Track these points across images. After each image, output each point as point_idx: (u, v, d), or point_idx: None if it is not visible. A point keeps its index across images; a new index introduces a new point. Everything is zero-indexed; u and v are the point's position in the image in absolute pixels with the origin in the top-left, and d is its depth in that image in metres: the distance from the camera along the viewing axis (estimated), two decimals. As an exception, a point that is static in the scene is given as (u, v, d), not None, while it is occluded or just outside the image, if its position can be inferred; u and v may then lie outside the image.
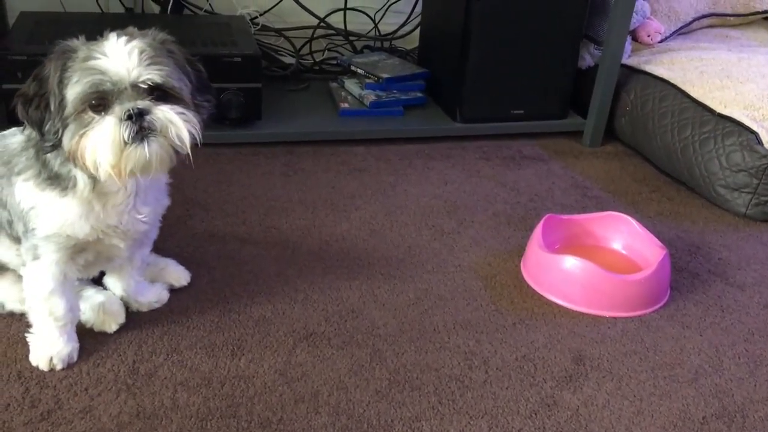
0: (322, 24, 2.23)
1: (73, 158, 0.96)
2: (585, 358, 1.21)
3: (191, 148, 0.98)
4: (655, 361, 1.22)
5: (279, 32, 2.21)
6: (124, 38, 0.96)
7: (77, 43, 0.97)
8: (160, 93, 0.96)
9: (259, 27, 2.17)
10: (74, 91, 0.93)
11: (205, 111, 1.03)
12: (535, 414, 1.09)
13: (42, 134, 0.96)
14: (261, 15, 2.20)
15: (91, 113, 0.94)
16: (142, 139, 0.94)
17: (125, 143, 0.93)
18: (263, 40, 2.19)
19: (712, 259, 1.53)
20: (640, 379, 1.17)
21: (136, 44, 0.96)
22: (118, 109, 0.93)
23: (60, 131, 0.95)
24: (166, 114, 0.95)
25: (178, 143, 0.96)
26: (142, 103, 0.94)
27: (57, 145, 0.96)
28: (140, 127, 0.94)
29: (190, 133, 0.97)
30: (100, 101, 0.94)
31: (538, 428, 1.06)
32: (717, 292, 1.42)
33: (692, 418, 1.11)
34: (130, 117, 0.93)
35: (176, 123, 0.95)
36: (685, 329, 1.31)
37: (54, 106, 0.95)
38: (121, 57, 0.94)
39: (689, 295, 1.40)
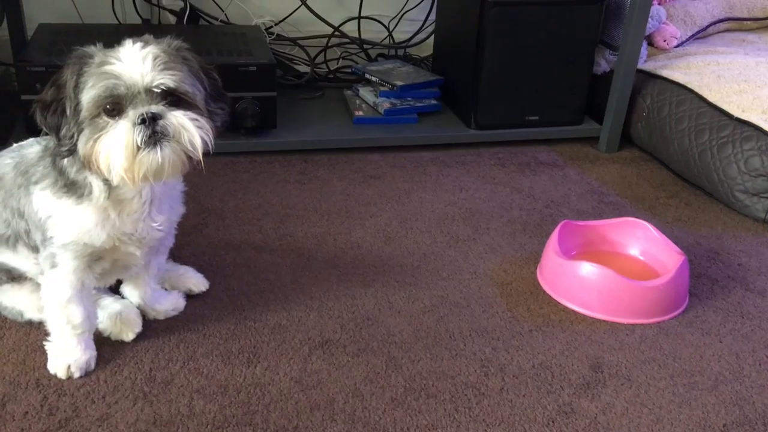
0: (336, 33, 2.24)
1: (87, 163, 0.96)
2: (603, 365, 1.20)
3: (204, 154, 0.99)
4: (675, 368, 1.21)
5: (294, 41, 2.22)
6: (139, 44, 0.97)
7: (94, 49, 0.98)
8: (173, 99, 0.97)
9: (274, 36, 2.19)
10: (89, 95, 0.95)
11: (218, 118, 1.04)
12: (553, 422, 1.08)
13: (59, 139, 0.98)
14: (276, 24, 2.21)
15: (105, 117, 0.95)
16: (155, 144, 0.95)
17: (138, 148, 0.94)
18: (278, 50, 2.21)
19: (732, 265, 1.51)
20: (659, 387, 1.16)
21: (151, 50, 0.97)
22: (132, 114, 0.94)
23: (75, 136, 0.96)
24: (179, 119, 0.96)
25: (190, 149, 0.97)
26: (155, 108, 0.95)
27: (73, 150, 0.97)
28: (153, 131, 0.94)
29: (203, 139, 0.97)
30: (114, 106, 0.95)
31: (556, 436, 1.05)
32: (737, 298, 1.40)
33: (712, 426, 1.09)
34: (143, 121, 0.94)
35: (189, 128, 0.96)
36: (705, 336, 1.29)
37: (70, 111, 0.96)
38: (135, 62, 0.95)
39: (708, 302, 1.39)
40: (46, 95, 0.98)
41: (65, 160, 1.00)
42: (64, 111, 0.97)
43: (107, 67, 0.95)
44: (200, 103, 1.00)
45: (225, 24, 2.16)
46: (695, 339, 1.28)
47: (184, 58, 1.01)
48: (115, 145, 0.94)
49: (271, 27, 2.21)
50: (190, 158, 0.99)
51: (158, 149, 0.95)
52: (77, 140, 0.96)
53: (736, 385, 1.18)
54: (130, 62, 0.95)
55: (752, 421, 1.10)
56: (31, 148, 1.08)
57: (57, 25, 1.96)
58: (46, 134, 1.02)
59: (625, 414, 1.10)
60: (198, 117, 0.98)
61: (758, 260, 1.53)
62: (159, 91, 0.96)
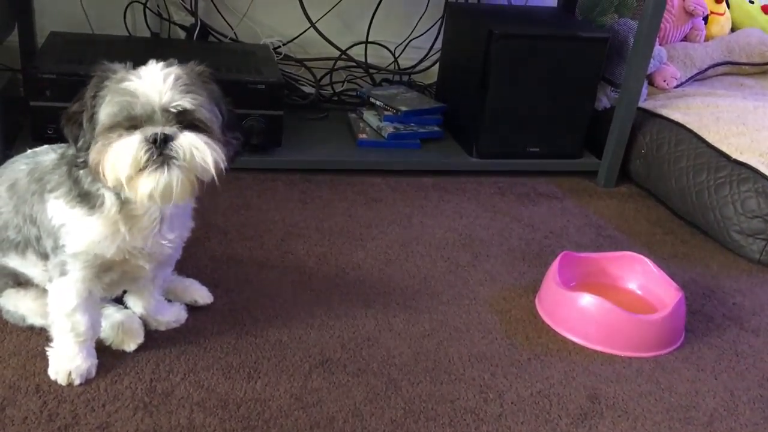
0: (343, 56, 2.27)
1: (94, 170, 0.97)
2: (600, 396, 1.21)
3: (217, 176, 0.98)
4: (671, 402, 1.22)
5: (301, 62, 2.25)
6: (162, 64, 0.99)
7: (118, 66, 0.99)
8: (189, 122, 0.97)
9: (281, 56, 2.21)
10: (105, 111, 0.96)
11: (232, 148, 1.04)
12: (551, 450, 1.08)
13: (77, 150, 0.98)
14: (284, 45, 2.24)
15: (120, 131, 0.96)
16: (162, 164, 0.95)
17: (145, 164, 0.95)
18: (285, 69, 2.23)
19: (727, 304, 1.53)
20: (656, 420, 1.17)
21: (173, 71, 0.98)
22: (146, 130, 0.95)
23: (90, 147, 0.97)
24: (191, 140, 0.96)
25: (202, 169, 0.96)
26: (168, 129, 0.95)
27: (87, 162, 0.98)
28: (161, 152, 0.95)
29: (215, 159, 0.97)
30: (130, 123, 0.95)
31: (554, 465, 1.06)
32: (732, 336, 1.42)
33: (708, 461, 1.10)
34: (155, 141, 0.94)
35: (201, 149, 0.96)
36: (700, 372, 1.30)
37: (86, 124, 0.97)
38: (155, 81, 0.96)
39: (704, 338, 1.40)
40: (71, 108, 1.00)
41: (81, 171, 1.01)
42: (82, 123, 0.98)
43: (125, 84, 0.96)
44: (216, 130, 0.99)
45: (234, 42, 2.19)
46: (691, 374, 1.29)
47: (204, 83, 1.01)
48: (122, 155, 0.94)
49: (279, 47, 2.23)
50: (200, 181, 0.98)
51: (165, 169, 0.95)
52: (90, 151, 0.97)
53: (731, 422, 1.19)
54: (150, 81, 0.96)
55: (746, 458, 1.12)
56: (47, 155, 1.09)
57: (68, 33, 1.98)
58: (55, 141, 1.03)
59: (622, 446, 1.11)
60: (211, 141, 0.98)
61: (752, 300, 1.55)
62: (176, 112, 0.96)
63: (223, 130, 1.01)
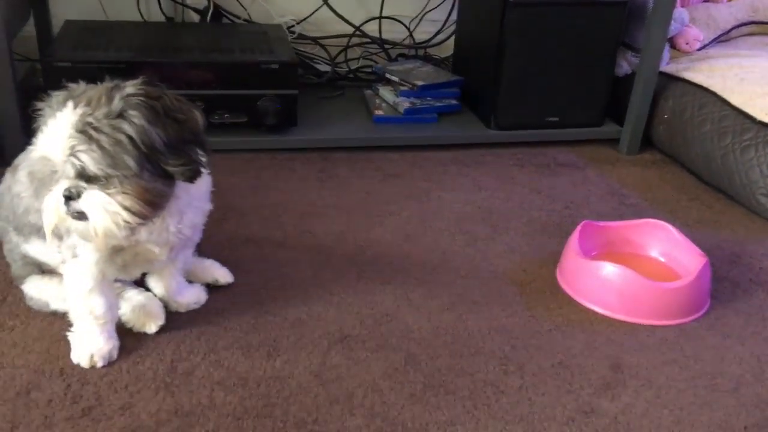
0: (357, 32, 2.25)
1: None
2: (623, 366, 1.19)
3: (126, 227, 0.97)
4: (695, 370, 1.20)
5: (315, 40, 2.23)
6: (69, 110, 0.94)
7: (52, 102, 0.97)
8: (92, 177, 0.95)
9: (295, 35, 2.20)
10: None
11: (179, 173, 0.99)
12: (572, 421, 1.07)
13: None
14: (298, 24, 2.22)
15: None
16: (80, 216, 0.97)
17: (65, 215, 0.97)
18: (299, 49, 2.22)
19: (753, 269, 1.50)
20: (680, 388, 1.15)
21: (76, 121, 0.93)
22: (61, 184, 0.97)
23: None
24: (92, 200, 0.95)
25: (104, 228, 0.96)
26: (74, 187, 0.96)
27: None
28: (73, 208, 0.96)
29: (107, 227, 0.96)
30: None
31: (575, 435, 1.05)
32: (758, 301, 1.39)
33: (733, 428, 1.08)
34: (66, 197, 0.96)
35: (96, 211, 0.95)
36: (726, 339, 1.28)
37: None
38: (57, 136, 0.94)
39: (730, 305, 1.38)
40: None
41: None
42: None
43: (39, 138, 0.96)
44: (123, 173, 0.94)
45: (247, 22, 2.18)
46: (716, 341, 1.27)
47: (115, 129, 0.93)
48: (46, 208, 0.98)
49: (293, 26, 2.22)
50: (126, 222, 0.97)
51: (80, 221, 0.97)
52: None
53: (758, 387, 1.17)
54: (52, 136, 0.94)
55: (774, 424, 1.10)
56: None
57: (83, 21, 1.99)
58: None
59: (646, 415, 1.10)
60: (117, 197, 0.95)
61: (781, 264, 1.52)
62: (76, 169, 0.94)
63: (153, 163, 0.96)
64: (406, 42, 2.33)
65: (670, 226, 1.45)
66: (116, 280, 1.19)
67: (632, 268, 1.31)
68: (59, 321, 1.19)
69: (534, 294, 1.37)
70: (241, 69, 1.78)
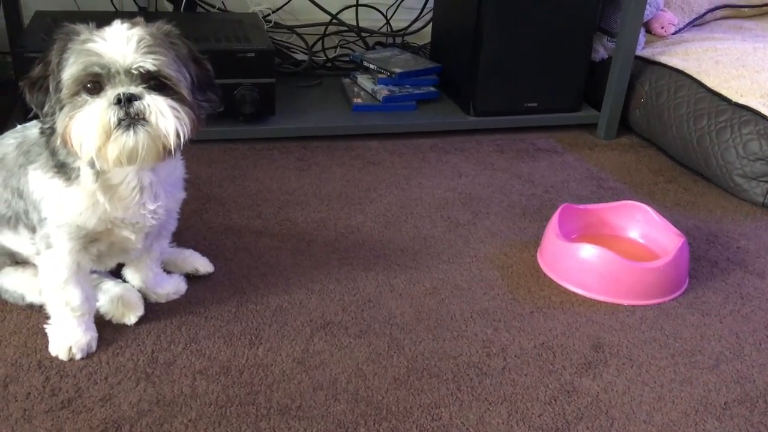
0: (334, 21, 2.23)
1: (63, 141, 0.95)
2: (604, 345, 1.20)
3: (181, 144, 0.96)
4: (675, 348, 1.21)
5: (291, 29, 2.21)
6: (127, 24, 0.96)
7: (82, 27, 0.97)
8: (156, 83, 0.95)
9: (271, 24, 2.18)
10: (69, 72, 0.93)
11: (203, 111, 1.01)
12: (555, 400, 1.08)
13: (43, 116, 0.97)
14: (273, 12, 2.21)
15: (85, 96, 0.94)
16: (128, 126, 0.93)
17: (112, 128, 0.92)
18: (276, 38, 2.20)
19: (731, 248, 1.52)
20: (660, 366, 1.17)
21: (137, 31, 0.95)
22: (110, 93, 0.93)
23: (56, 113, 0.95)
24: (156, 103, 0.94)
25: (164, 136, 0.94)
26: (134, 89, 0.93)
27: (54, 129, 0.96)
28: (127, 113, 0.92)
29: (177, 129, 0.94)
30: (94, 84, 0.93)
31: (558, 414, 1.05)
32: (736, 280, 1.41)
33: (714, 403, 1.10)
34: (119, 101, 0.92)
35: (165, 114, 0.94)
36: (705, 316, 1.29)
37: (52, 88, 0.95)
38: (118, 42, 0.93)
39: (708, 283, 1.39)
40: (33, 72, 0.98)
41: (58, 141, 0.98)
42: (48, 88, 0.96)
43: (89, 45, 0.93)
44: (184, 91, 0.97)
45: (222, 11, 2.16)
46: (695, 320, 1.28)
47: (171, 43, 0.98)
48: (89, 123, 0.92)
49: (269, 15, 2.20)
50: (166, 147, 0.96)
51: (131, 132, 0.93)
52: (57, 117, 0.95)
53: (737, 364, 1.18)
54: (114, 42, 0.93)
55: (753, 398, 1.11)
56: (35, 128, 1.07)
57: (54, 12, 1.95)
58: (34, 113, 1.01)
59: (627, 392, 1.10)
60: (177, 105, 0.95)
61: (757, 243, 1.54)
62: (139, 73, 0.93)
63: (192, 92, 0.99)
64: (384, 30, 2.32)
65: (648, 208, 1.46)
66: (92, 272, 1.17)
67: (612, 250, 1.31)
68: (36, 314, 1.17)
69: (515, 277, 1.37)
70: (217, 58, 1.74)
